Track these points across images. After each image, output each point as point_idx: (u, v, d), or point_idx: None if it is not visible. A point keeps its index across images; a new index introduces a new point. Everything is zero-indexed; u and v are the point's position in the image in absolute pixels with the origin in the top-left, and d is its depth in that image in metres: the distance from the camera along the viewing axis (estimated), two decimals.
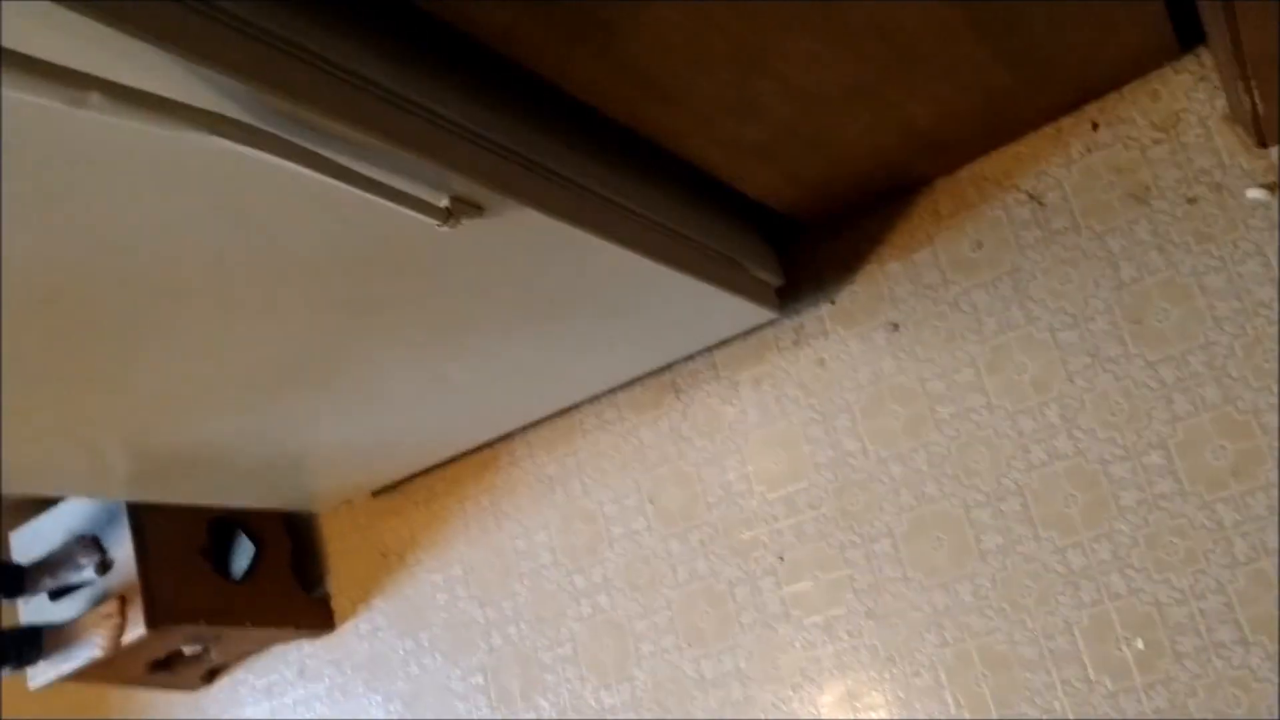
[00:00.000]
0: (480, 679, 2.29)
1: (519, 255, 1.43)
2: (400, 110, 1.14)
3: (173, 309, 1.35)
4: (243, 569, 2.41)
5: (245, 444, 1.86)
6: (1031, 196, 1.78)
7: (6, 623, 2.30)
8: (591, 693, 2.14)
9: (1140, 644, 1.63)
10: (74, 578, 2.26)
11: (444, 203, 1.21)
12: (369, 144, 1.10)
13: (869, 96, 1.54)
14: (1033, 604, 1.72)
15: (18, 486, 1.70)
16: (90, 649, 2.22)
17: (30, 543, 2.35)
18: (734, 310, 1.84)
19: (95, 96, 0.90)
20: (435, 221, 1.22)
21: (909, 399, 1.85)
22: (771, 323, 1.97)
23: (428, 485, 2.42)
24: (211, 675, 2.71)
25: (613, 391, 2.15)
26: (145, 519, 2.26)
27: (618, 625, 2.12)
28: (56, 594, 2.29)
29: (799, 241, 1.97)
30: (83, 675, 2.29)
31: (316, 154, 1.06)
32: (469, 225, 1.28)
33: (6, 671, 2.23)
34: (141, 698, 2.84)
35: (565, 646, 2.19)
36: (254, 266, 1.30)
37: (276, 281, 1.35)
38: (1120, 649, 1.65)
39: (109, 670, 2.36)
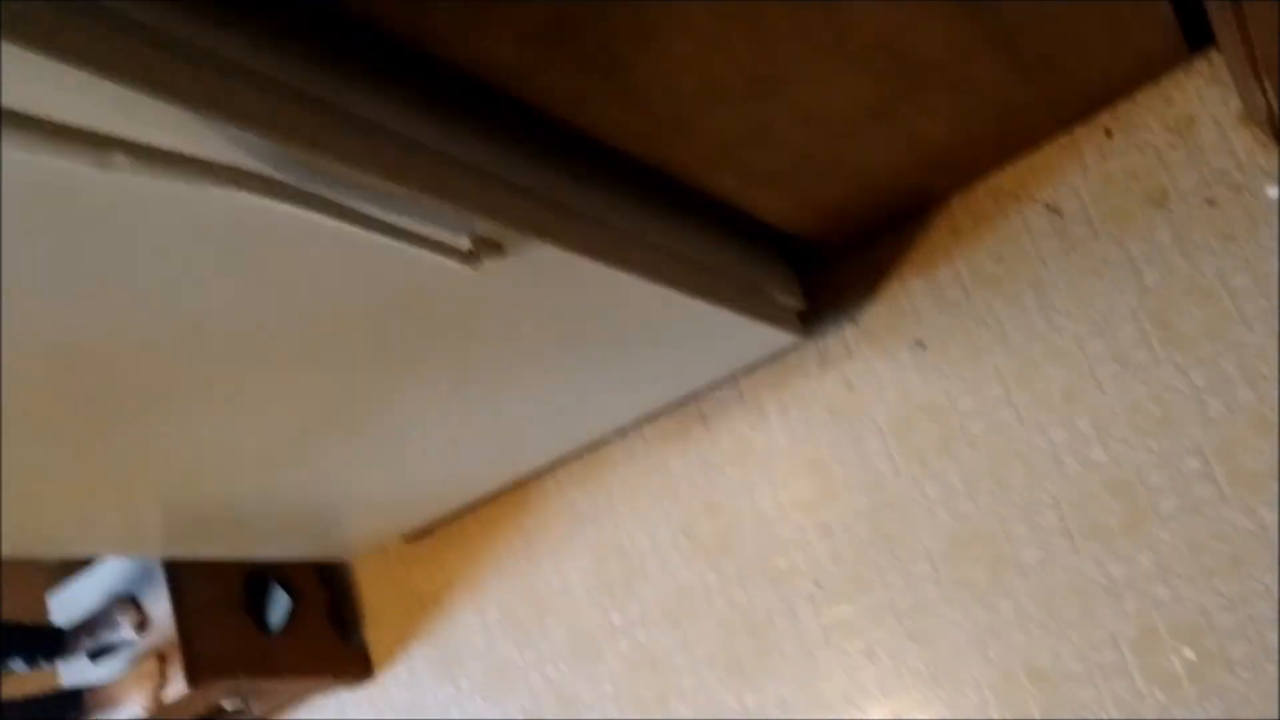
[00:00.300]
0: None
1: (542, 293, 1.43)
2: (418, 155, 1.15)
3: (203, 365, 1.36)
4: (280, 621, 2.41)
5: (278, 496, 1.87)
6: (1049, 207, 1.78)
7: (47, 686, 2.31)
8: None
9: (1190, 653, 1.61)
10: (113, 637, 2.27)
11: (465, 244, 1.22)
12: (389, 190, 1.11)
13: (882, 117, 1.55)
14: (1076, 617, 1.70)
15: (55, 549, 1.71)
16: (132, 709, 2.22)
17: (68, 604, 2.37)
18: (758, 336, 1.84)
19: (119, 156, 0.91)
20: (458, 264, 1.22)
21: (939, 416, 1.84)
22: (796, 347, 1.97)
23: (460, 528, 2.42)
24: None
25: (640, 423, 2.15)
26: (181, 576, 2.27)
27: (657, 660, 2.11)
28: (96, 654, 2.29)
29: (820, 264, 1.96)
30: None
31: (338, 203, 1.08)
32: (491, 266, 1.28)
33: None
34: None
35: (605, 684, 2.17)
36: (282, 319, 1.31)
37: (305, 333, 1.36)
38: (1170, 659, 1.62)
39: None
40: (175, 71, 0.92)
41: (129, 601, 2.27)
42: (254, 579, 2.40)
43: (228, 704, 2.49)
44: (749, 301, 1.74)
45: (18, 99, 0.84)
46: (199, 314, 1.24)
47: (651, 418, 2.13)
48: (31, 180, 0.95)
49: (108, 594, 2.31)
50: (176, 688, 2.18)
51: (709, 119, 1.41)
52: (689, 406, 2.11)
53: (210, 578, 2.32)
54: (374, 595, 2.57)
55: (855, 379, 1.93)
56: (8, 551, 1.62)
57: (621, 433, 2.18)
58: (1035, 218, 1.79)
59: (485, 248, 1.24)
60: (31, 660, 2.19)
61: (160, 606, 2.24)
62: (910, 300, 1.89)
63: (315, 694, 2.58)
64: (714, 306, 1.63)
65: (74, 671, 2.32)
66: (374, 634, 2.55)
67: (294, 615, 2.44)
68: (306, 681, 2.44)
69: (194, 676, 2.19)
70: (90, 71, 0.85)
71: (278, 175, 1.02)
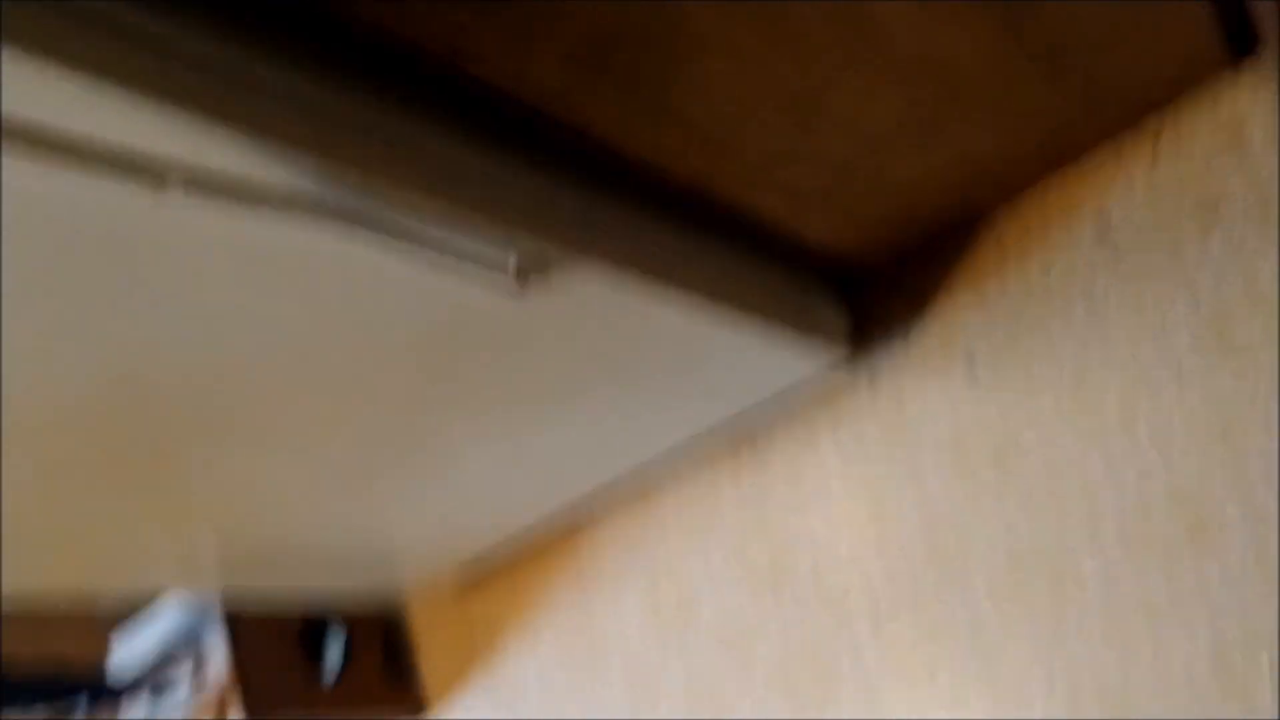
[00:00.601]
0: None
1: (586, 316, 1.44)
2: (463, 177, 1.17)
3: (256, 397, 1.38)
4: (336, 665, 2.41)
5: (332, 529, 1.88)
6: (1098, 217, 1.76)
7: None
8: None
9: (1266, 661, 1.56)
10: (173, 684, 2.28)
11: (511, 265, 1.23)
12: (435, 212, 1.13)
13: (924, 131, 1.55)
14: (1143, 631, 1.65)
15: (113, 583, 1.73)
16: None
17: (130, 651, 2.39)
18: (805, 356, 1.83)
19: (174, 182, 0.94)
20: (503, 284, 1.24)
21: (992, 432, 1.82)
22: (845, 366, 1.96)
23: (512, 562, 2.42)
24: None
25: (689, 449, 2.14)
26: (240, 622, 2.28)
27: (714, 688, 2.08)
28: (156, 700, 2.30)
29: (865, 283, 1.95)
30: None
31: (386, 224, 1.09)
32: (536, 287, 1.30)
33: None
34: None
35: (663, 716, 2.15)
36: (333, 349, 1.33)
37: (355, 362, 1.38)
38: (1246, 669, 1.57)
39: None
40: (226, 97, 0.94)
41: (188, 648, 2.29)
42: (311, 623, 2.41)
43: None
44: (796, 322, 1.74)
45: (71, 124, 0.87)
46: (251, 344, 1.26)
47: (700, 443, 2.13)
48: (84, 209, 0.97)
49: (168, 641, 2.33)
50: None
51: (749, 136, 1.42)
52: (738, 430, 2.10)
53: (268, 624, 2.34)
54: (428, 634, 2.57)
55: (906, 397, 1.91)
56: (73, 587, 1.65)
57: (670, 459, 2.17)
58: (1083, 229, 1.78)
59: (530, 268, 1.26)
60: (94, 703, 2.21)
61: (218, 654, 2.25)
62: (959, 316, 1.87)
63: None
64: (761, 328, 1.63)
65: (134, 715, 2.33)
66: (429, 673, 2.55)
67: (350, 658, 2.44)
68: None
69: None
70: (143, 97, 0.87)
71: (328, 199, 1.04)
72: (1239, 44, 1.62)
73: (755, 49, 1.26)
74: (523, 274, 1.24)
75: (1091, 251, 1.76)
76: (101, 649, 2.41)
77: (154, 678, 2.30)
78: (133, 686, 2.29)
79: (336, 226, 1.06)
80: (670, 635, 2.15)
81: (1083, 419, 1.74)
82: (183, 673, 2.28)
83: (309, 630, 2.41)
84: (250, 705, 2.22)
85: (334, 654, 2.42)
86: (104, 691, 2.25)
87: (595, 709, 2.24)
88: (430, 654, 2.56)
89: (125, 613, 2.40)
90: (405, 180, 1.09)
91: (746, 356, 1.75)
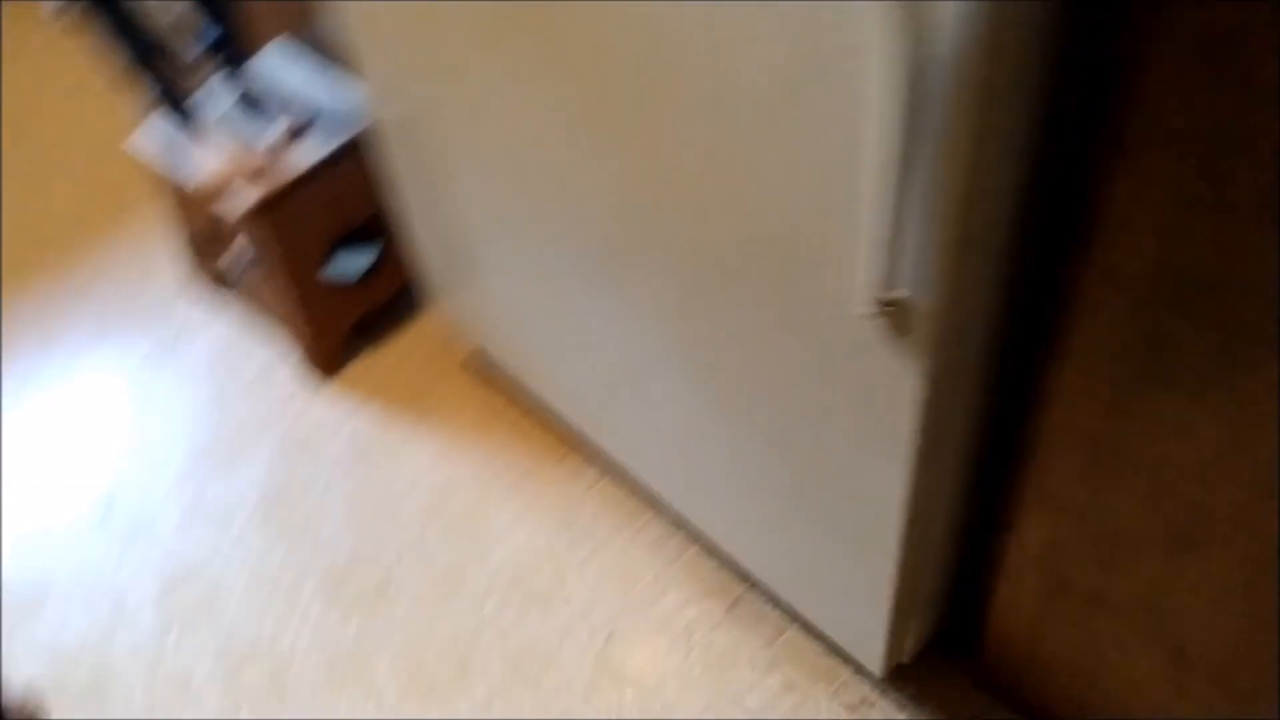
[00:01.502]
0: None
1: (855, 400, 1.26)
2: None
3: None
4: (343, 272, 2.28)
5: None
6: None
7: (194, 77, 2.21)
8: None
9: None
10: (264, 118, 2.17)
11: (893, 295, 1.07)
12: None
13: (1174, 681, 1.35)
14: None
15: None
16: (206, 162, 2.14)
17: (274, 65, 2.28)
18: (859, 627, 1.62)
19: None
20: (866, 306, 1.08)
21: None
22: (856, 672, 1.75)
23: (489, 395, 2.27)
24: (219, 282, 2.57)
25: (708, 552, 1.96)
26: (353, 152, 2.15)
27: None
28: (245, 107, 2.19)
29: (962, 661, 1.73)
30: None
31: None
32: (870, 336, 1.14)
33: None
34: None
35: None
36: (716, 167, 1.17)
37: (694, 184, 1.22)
38: None
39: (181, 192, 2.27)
40: None
41: (306, 121, 2.17)
42: (370, 227, 2.28)
43: (228, 260, 2.40)
44: (900, 602, 1.52)
45: None
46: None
47: (694, 555, 1.94)
48: None
49: (304, 93, 2.21)
50: (245, 197, 2.06)
51: (1084, 506, 1.24)
52: (735, 581, 1.91)
53: (358, 180, 2.20)
54: (399, 341, 2.45)
55: None
56: None
57: (683, 522, 1.99)
58: None
59: (897, 321, 1.10)
60: (218, 47, 2.10)
61: (314, 153, 2.12)
62: None
63: (279, 325, 2.44)
64: (889, 565, 1.43)
65: (215, 95, 2.23)
66: (375, 360, 2.43)
67: (351, 286, 2.30)
68: (288, 306, 2.29)
69: (264, 212, 2.07)
70: None
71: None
72: None
73: (1138, 480, 1.08)
74: (886, 313, 1.09)
75: None
76: (264, 36, 2.31)
77: (256, 96, 2.20)
78: (240, 80, 2.18)
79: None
80: (457, 598, 1.98)
81: None
82: (277, 125, 2.17)
83: (365, 228, 2.29)
84: (278, 208, 2.09)
85: (349, 267, 2.29)
86: (228, 51, 2.12)
87: (327, 528, 2.08)
88: (391, 355, 2.43)
89: (313, 42, 2.29)
90: None
91: (841, 566, 1.55)
